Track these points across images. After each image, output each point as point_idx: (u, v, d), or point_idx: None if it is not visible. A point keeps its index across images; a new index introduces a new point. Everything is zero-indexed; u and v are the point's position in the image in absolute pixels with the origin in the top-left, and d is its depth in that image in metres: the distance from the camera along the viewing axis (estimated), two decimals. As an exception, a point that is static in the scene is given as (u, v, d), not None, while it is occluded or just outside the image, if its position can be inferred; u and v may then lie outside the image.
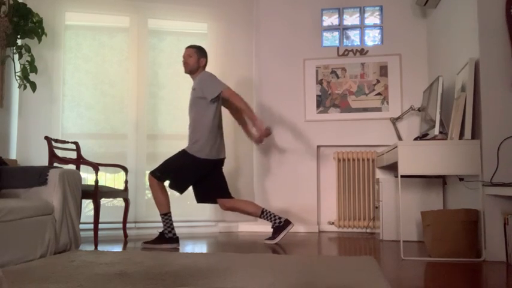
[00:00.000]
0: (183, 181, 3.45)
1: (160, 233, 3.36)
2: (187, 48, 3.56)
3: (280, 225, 3.43)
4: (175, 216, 3.62)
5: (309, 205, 4.30)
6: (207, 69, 3.59)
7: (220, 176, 3.55)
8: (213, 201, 3.58)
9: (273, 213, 3.47)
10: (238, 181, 4.33)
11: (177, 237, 3.37)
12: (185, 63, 3.53)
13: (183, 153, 3.42)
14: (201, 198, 3.58)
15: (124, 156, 4.22)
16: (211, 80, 3.43)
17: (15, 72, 3.96)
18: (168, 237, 3.32)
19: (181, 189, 3.48)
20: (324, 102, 4.37)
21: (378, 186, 3.78)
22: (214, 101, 3.41)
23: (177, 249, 3.17)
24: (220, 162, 3.52)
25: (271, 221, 3.47)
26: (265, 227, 4.20)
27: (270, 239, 3.44)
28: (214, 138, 3.41)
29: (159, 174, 3.35)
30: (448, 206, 3.52)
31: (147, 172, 4.25)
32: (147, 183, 4.24)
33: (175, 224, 3.45)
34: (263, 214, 3.46)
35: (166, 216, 3.36)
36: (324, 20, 4.49)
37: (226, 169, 3.63)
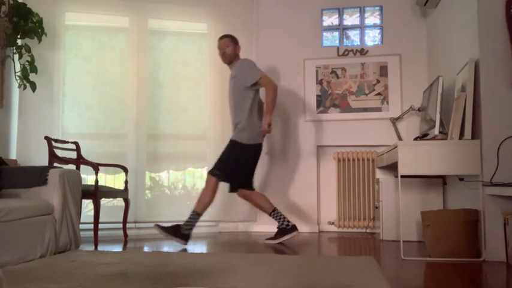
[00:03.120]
0: (248, 172, 3.46)
1: (178, 225, 3.36)
2: (221, 39, 3.63)
3: (287, 228, 3.41)
4: (175, 216, 3.63)
5: (309, 205, 4.30)
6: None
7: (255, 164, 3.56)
8: (236, 188, 3.52)
9: (283, 215, 3.46)
10: (238, 181, 4.32)
11: (189, 236, 3.38)
12: (224, 54, 3.60)
13: (234, 144, 3.45)
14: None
15: (124, 156, 4.22)
16: (251, 66, 3.50)
17: (15, 72, 3.96)
18: (183, 234, 3.33)
19: (249, 182, 3.46)
20: (324, 102, 4.37)
21: (378, 186, 3.78)
22: (253, 87, 3.47)
23: (184, 249, 3.17)
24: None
25: (278, 222, 3.45)
26: (265, 227, 4.20)
27: (271, 239, 3.43)
28: (257, 123, 3.47)
29: (218, 172, 3.38)
30: (448, 206, 3.52)
31: (148, 172, 4.25)
32: (148, 183, 4.26)
33: (175, 224, 3.45)
34: (273, 212, 3.45)
35: (198, 216, 3.37)
36: (324, 20, 4.49)
37: (226, 169, 3.63)
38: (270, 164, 4.39)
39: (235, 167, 3.43)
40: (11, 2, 3.85)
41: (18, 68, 3.95)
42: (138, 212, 4.15)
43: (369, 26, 4.41)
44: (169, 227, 3.34)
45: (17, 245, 2.46)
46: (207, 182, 3.39)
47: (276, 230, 3.52)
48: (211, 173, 3.40)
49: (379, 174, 3.92)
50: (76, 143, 3.93)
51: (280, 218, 3.45)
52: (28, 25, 3.93)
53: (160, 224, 3.37)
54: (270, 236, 3.49)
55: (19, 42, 3.96)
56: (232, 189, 3.53)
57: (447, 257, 2.73)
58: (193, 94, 4.42)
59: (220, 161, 3.44)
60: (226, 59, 3.60)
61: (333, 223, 4.30)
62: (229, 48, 3.58)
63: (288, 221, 3.44)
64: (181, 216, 4.07)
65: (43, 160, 3.87)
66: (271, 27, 4.52)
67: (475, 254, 2.75)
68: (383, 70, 4.30)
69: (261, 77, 3.43)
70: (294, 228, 3.42)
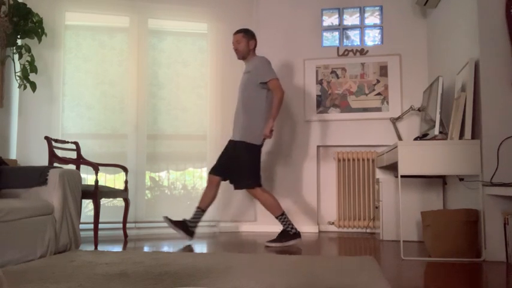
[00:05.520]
0: (258, 171, 3.45)
1: (282, 230, 3.37)
2: (234, 35, 3.61)
3: (290, 233, 3.34)
4: (175, 216, 3.62)
5: (309, 205, 4.30)
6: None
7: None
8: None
9: (289, 220, 3.40)
10: (238, 181, 4.32)
11: (299, 232, 3.39)
12: (236, 50, 3.60)
13: (245, 147, 3.40)
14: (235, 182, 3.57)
15: (124, 156, 4.22)
16: (266, 65, 3.47)
17: (15, 72, 3.96)
18: (292, 234, 3.34)
19: (259, 181, 3.42)
20: (324, 102, 4.37)
21: (378, 186, 3.78)
22: (264, 87, 3.45)
23: (184, 248, 3.17)
24: None
25: (283, 225, 3.38)
26: (265, 227, 4.20)
27: (273, 241, 3.33)
28: (264, 122, 3.45)
29: (251, 181, 3.37)
30: (448, 206, 3.52)
31: (148, 172, 4.25)
32: (148, 183, 4.26)
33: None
34: (281, 216, 3.38)
35: (283, 216, 3.37)
36: (324, 20, 4.49)
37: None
38: (270, 164, 4.39)
39: (256, 166, 3.43)
40: (11, 2, 3.85)
41: (18, 68, 3.95)
42: (138, 212, 4.15)
43: (369, 26, 4.41)
44: (277, 236, 3.38)
45: (17, 245, 2.46)
46: (254, 194, 3.38)
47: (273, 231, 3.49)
48: (249, 186, 3.37)
49: (379, 174, 3.92)
50: (76, 143, 3.93)
51: (285, 222, 3.38)
52: (28, 25, 3.93)
53: (269, 240, 3.42)
54: (270, 237, 3.46)
55: (19, 42, 3.96)
56: (256, 185, 3.45)
57: (447, 257, 2.73)
58: (193, 94, 4.42)
59: (244, 170, 3.40)
60: (239, 55, 3.60)
61: (333, 223, 4.30)
62: (241, 45, 3.56)
63: (293, 227, 3.37)
64: (181, 216, 4.07)
65: (43, 160, 3.87)
66: (271, 27, 4.52)
67: (475, 254, 2.75)
68: (383, 70, 4.30)
69: (272, 79, 3.41)
70: (298, 235, 3.35)
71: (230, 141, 3.57)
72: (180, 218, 3.60)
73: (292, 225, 3.38)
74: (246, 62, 3.62)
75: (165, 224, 3.63)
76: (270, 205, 3.38)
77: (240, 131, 3.45)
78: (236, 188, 3.49)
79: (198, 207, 3.52)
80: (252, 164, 3.41)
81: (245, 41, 3.56)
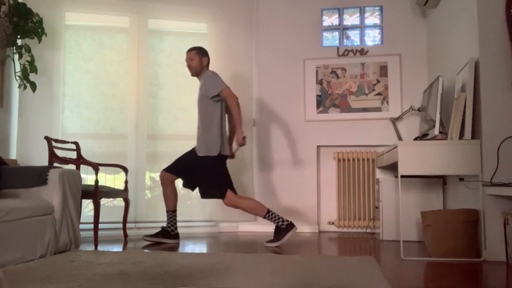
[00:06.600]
0: (225, 181, 3.47)
1: (276, 228, 3.36)
2: (187, 52, 3.65)
3: (283, 227, 3.35)
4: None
5: (309, 205, 4.30)
6: (211, 66, 3.68)
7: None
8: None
9: (277, 215, 3.41)
10: (238, 181, 4.32)
11: (291, 222, 3.39)
12: (189, 67, 3.64)
13: (209, 160, 3.43)
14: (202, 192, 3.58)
15: (124, 156, 4.22)
16: (213, 78, 3.50)
17: (15, 72, 3.96)
18: (286, 226, 3.34)
19: (226, 190, 3.43)
20: (324, 102, 4.37)
21: (378, 186, 3.78)
22: (217, 99, 3.47)
23: (184, 248, 3.17)
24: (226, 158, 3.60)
25: (274, 222, 3.40)
26: (265, 227, 4.20)
27: (271, 241, 3.34)
28: (223, 135, 3.49)
29: (219, 193, 3.39)
30: (448, 206, 3.52)
31: (148, 172, 4.25)
32: (148, 183, 4.26)
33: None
34: (268, 214, 3.39)
35: (269, 213, 3.37)
36: (324, 20, 4.49)
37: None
38: (270, 164, 4.40)
39: (222, 176, 3.46)
40: (11, 2, 3.85)
41: (18, 68, 3.95)
42: (138, 212, 4.15)
43: (369, 26, 4.41)
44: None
45: (17, 245, 2.46)
46: (237, 203, 3.39)
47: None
48: (224, 198, 3.39)
49: (379, 174, 3.92)
50: (76, 143, 3.93)
51: (275, 218, 3.38)
52: (28, 25, 3.93)
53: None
54: (270, 237, 3.46)
55: (19, 42, 3.96)
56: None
57: (447, 257, 2.73)
58: (194, 94, 4.41)
59: (214, 183, 3.43)
60: (192, 71, 3.64)
61: (333, 223, 4.30)
62: (194, 62, 3.60)
63: (283, 220, 3.37)
64: (181, 216, 4.07)
65: (43, 160, 3.87)
66: (271, 27, 4.52)
67: (475, 254, 2.75)
68: (383, 70, 4.30)
69: (223, 90, 3.44)
70: (291, 225, 3.35)
71: (193, 150, 3.58)
72: (178, 218, 3.64)
73: (282, 218, 3.38)
74: (199, 79, 3.64)
75: (165, 224, 3.64)
76: (252, 208, 3.40)
77: (201, 146, 3.49)
78: (203, 197, 3.52)
79: (167, 211, 3.58)
80: (218, 176, 3.44)
81: (198, 58, 3.60)
